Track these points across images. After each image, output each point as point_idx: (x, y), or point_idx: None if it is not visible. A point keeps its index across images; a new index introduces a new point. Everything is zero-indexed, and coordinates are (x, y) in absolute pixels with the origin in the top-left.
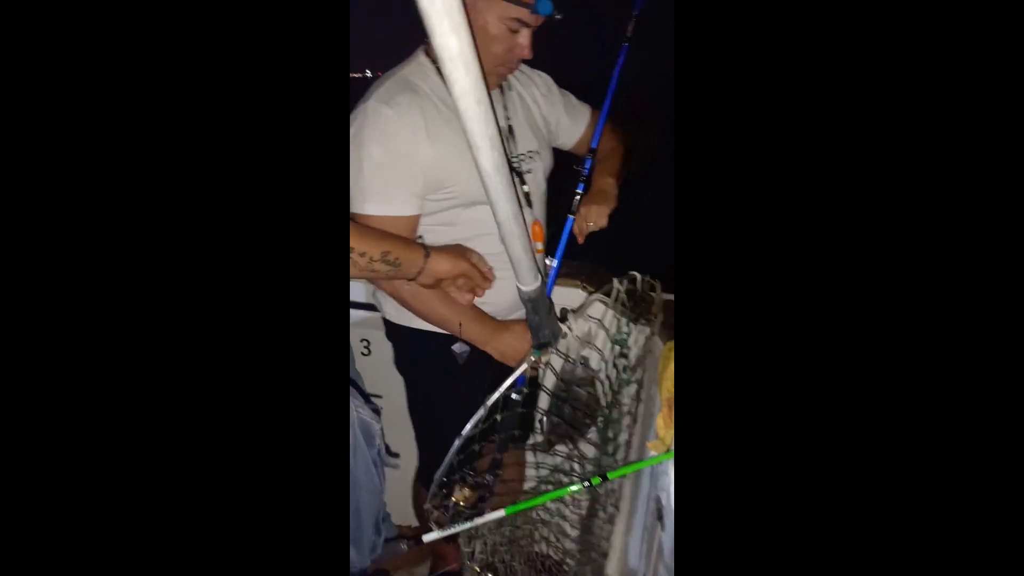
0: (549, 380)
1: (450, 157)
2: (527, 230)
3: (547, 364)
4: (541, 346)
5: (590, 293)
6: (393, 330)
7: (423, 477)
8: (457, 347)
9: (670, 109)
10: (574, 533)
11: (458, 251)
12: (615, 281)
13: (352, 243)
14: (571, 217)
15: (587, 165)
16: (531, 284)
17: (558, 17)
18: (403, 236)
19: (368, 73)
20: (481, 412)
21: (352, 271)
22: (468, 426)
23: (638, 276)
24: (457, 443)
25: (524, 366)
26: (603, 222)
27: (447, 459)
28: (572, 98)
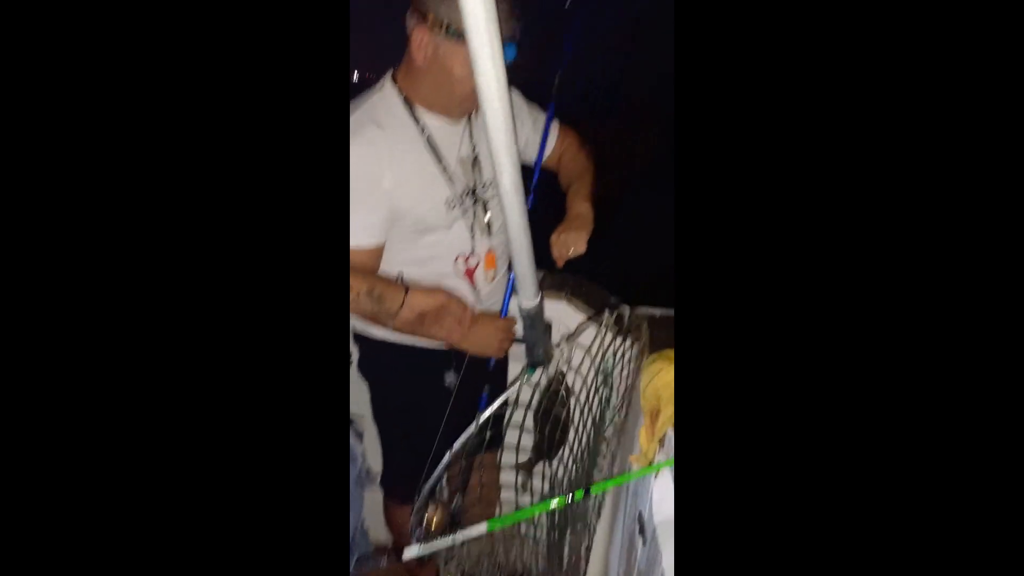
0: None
1: (412, 187)
2: (532, 247)
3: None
4: (534, 365)
5: (569, 301)
6: (357, 336)
7: (387, 482)
8: (448, 378)
9: (670, 110)
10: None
11: (435, 286)
12: (606, 312)
13: None
14: None
15: (530, 200)
16: (532, 300)
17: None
18: (377, 272)
19: (356, 74)
20: (472, 428)
21: None
22: (458, 442)
23: (627, 309)
24: (447, 458)
25: (517, 385)
26: (581, 248)
27: (436, 473)
28: (539, 112)
